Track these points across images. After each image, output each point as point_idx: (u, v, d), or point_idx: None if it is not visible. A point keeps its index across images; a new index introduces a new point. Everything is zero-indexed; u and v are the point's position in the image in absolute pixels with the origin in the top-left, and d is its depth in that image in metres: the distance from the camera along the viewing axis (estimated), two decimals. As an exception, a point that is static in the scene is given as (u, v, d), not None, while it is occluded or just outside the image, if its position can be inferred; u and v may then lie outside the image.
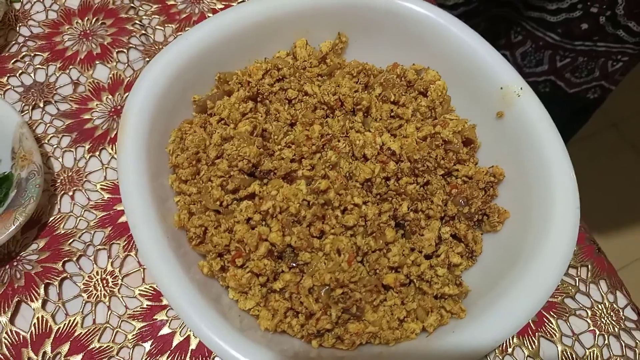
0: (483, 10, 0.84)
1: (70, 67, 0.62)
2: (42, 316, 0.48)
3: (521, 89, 0.46)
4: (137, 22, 0.65)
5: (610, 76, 0.84)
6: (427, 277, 0.43)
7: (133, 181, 0.41)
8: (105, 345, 0.47)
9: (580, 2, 0.74)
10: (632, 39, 0.76)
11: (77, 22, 0.65)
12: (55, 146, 0.57)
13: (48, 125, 0.58)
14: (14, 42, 0.63)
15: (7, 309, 0.48)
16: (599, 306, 0.52)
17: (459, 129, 0.47)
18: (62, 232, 0.52)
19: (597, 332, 0.51)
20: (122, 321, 0.48)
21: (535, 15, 0.80)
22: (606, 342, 0.50)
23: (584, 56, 0.81)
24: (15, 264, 0.50)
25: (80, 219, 0.53)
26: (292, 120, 0.47)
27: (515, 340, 0.50)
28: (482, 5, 0.83)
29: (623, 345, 0.50)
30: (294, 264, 0.42)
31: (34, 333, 0.48)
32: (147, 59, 0.63)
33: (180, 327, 0.48)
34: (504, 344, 0.49)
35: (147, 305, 0.49)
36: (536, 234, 0.42)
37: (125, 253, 0.51)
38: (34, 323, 0.48)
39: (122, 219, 0.53)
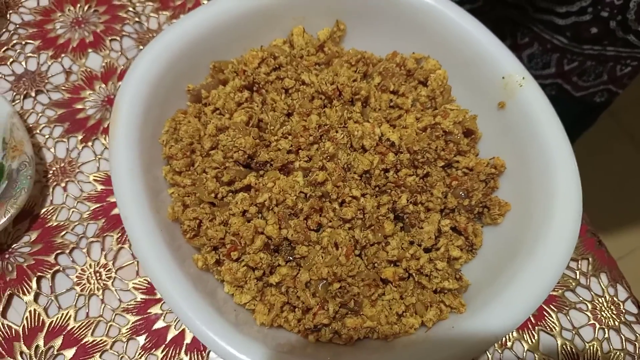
0: (489, 10, 0.82)
1: (63, 55, 0.60)
2: (35, 309, 0.47)
3: (523, 78, 0.45)
4: (130, 9, 0.64)
5: (618, 80, 0.82)
6: (427, 271, 0.42)
7: (125, 173, 0.40)
8: (98, 339, 0.47)
9: (590, 6, 0.72)
10: None
11: (69, 10, 0.63)
12: (47, 136, 0.55)
13: (40, 115, 0.57)
14: (4, 30, 0.61)
15: (-2, 302, 0.47)
16: (600, 299, 0.51)
17: (459, 120, 0.46)
18: (55, 224, 0.51)
19: (597, 326, 0.50)
20: (115, 315, 0.48)
21: (544, 17, 0.78)
22: (606, 335, 0.50)
23: (592, 60, 0.80)
24: (7, 256, 0.49)
25: (73, 211, 0.52)
26: (288, 110, 0.46)
27: (514, 334, 0.49)
28: (488, 6, 0.81)
29: (623, 339, 0.50)
30: (291, 258, 0.41)
31: (26, 327, 0.47)
32: (141, 47, 0.61)
33: (174, 321, 0.48)
34: (504, 338, 0.49)
35: (141, 298, 0.48)
36: (538, 226, 0.41)
37: (119, 245, 0.50)
38: (26, 316, 0.47)
39: (116, 210, 0.52)
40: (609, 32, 0.74)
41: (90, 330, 0.47)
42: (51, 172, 0.54)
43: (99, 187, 0.53)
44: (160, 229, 0.39)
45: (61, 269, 0.49)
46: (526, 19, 0.81)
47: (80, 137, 0.55)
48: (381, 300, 0.42)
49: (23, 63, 0.59)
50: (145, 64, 0.44)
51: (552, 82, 0.84)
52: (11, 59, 0.59)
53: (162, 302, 0.48)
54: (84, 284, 0.49)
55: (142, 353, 0.46)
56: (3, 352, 0.46)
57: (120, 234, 0.51)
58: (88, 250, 0.50)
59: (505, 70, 0.46)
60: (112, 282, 0.49)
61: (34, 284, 0.48)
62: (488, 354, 0.48)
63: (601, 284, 0.52)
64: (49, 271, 0.49)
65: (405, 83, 0.49)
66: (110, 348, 0.46)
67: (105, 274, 0.49)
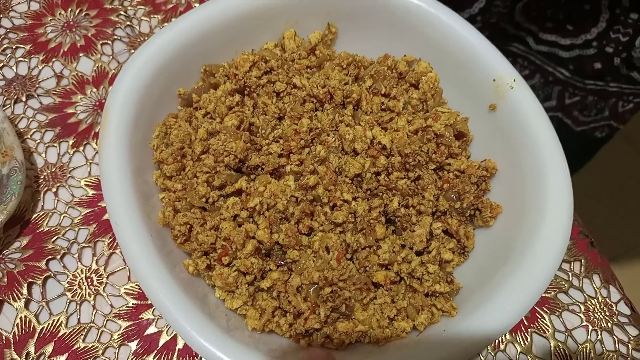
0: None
1: (54, 59, 0.60)
2: (25, 316, 0.47)
3: (514, 80, 0.45)
4: (122, 12, 0.64)
5: (620, 116, 0.82)
6: (418, 275, 0.42)
7: (115, 178, 0.40)
8: (90, 345, 0.46)
9: (595, 40, 0.72)
10: None
11: (60, 13, 0.63)
12: (38, 141, 0.55)
13: (31, 119, 0.56)
14: (-6, 34, 0.61)
15: (-12, 309, 0.47)
16: (592, 301, 0.51)
17: (451, 122, 0.46)
18: (46, 229, 0.51)
19: (590, 328, 0.50)
20: (107, 320, 0.47)
21: (546, 49, 0.77)
22: (599, 337, 0.50)
23: (595, 95, 0.79)
24: (-3, 262, 0.49)
25: (64, 216, 0.51)
26: (280, 113, 0.46)
27: (507, 336, 0.49)
28: (486, 33, 0.81)
29: (616, 340, 0.50)
30: (282, 262, 0.41)
31: (17, 333, 0.46)
32: (132, 51, 0.61)
33: (166, 327, 0.47)
34: (496, 341, 0.49)
35: (133, 304, 0.48)
36: (529, 228, 0.41)
37: (111, 251, 0.50)
38: (17, 323, 0.47)
39: (107, 215, 0.51)
40: (612, 68, 0.73)
41: (82, 337, 0.47)
42: (42, 177, 0.53)
43: (90, 192, 0.53)
44: (151, 234, 0.39)
45: (52, 274, 0.49)
46: (527, 52, 0.80)
47: (71, 142, 0.55)
48: (373, 304, 0.42)
49: (14, 67, 0.59)
50: (136, 68, 0.44)
51: (552, 116, 0.83)
52: (1, 64, 0.59)
53: (154, 307, 0.48)
54: (75, 290, 0.48)
55: (134, 359, 0.46)
56: (-7, 359, 0.45)
57: (111, 239, 0.51)
58: (79, 256, 0.50)
59: (496, 72, 0.46)
60: (104, 288, 0.49)
61: (24, 290, 0.48)
62: (481, 356, 0.48)
63: (594, 285, 0.52)
64: (40, 277, 0.49)
65: (397, 86, 0.49)
66: (102, 354, 0.46)
67: (97, 280, 0.49)
